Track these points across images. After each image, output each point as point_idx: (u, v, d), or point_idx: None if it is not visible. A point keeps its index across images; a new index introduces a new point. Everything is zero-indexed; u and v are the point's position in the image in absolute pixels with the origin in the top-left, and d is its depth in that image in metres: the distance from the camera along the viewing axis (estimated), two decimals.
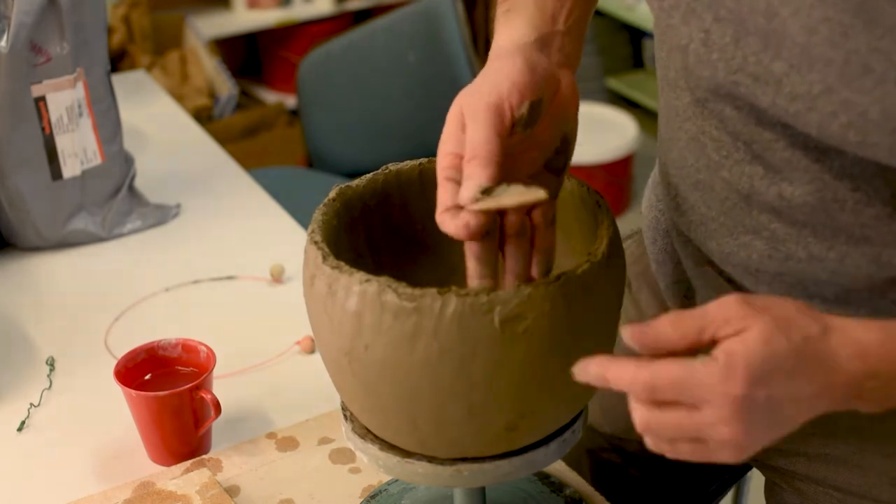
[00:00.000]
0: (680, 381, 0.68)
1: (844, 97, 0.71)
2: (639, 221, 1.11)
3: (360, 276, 0.76)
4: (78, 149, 1.39)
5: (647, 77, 3.67)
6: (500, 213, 0.80)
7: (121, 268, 1.40)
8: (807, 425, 0.95)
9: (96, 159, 1.41)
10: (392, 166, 0.91)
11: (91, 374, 1.19)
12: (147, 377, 1.07)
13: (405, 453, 0.83)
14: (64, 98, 1.35)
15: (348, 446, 0.92)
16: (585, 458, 1.16)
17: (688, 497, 1.17)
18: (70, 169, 1.39)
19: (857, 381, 0.71)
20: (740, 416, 0.67)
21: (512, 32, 0.84)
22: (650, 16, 3.67)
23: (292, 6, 3.23)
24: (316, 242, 0.81)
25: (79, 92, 1.37)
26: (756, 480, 1.08)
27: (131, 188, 1.48)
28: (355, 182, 0.90)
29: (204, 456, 1.06)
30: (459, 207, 0.75)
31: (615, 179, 3.17)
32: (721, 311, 0.69)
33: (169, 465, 1.06)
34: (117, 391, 1.04)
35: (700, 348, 0.70)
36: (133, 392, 1.02)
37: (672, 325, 0.70)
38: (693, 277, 0.96)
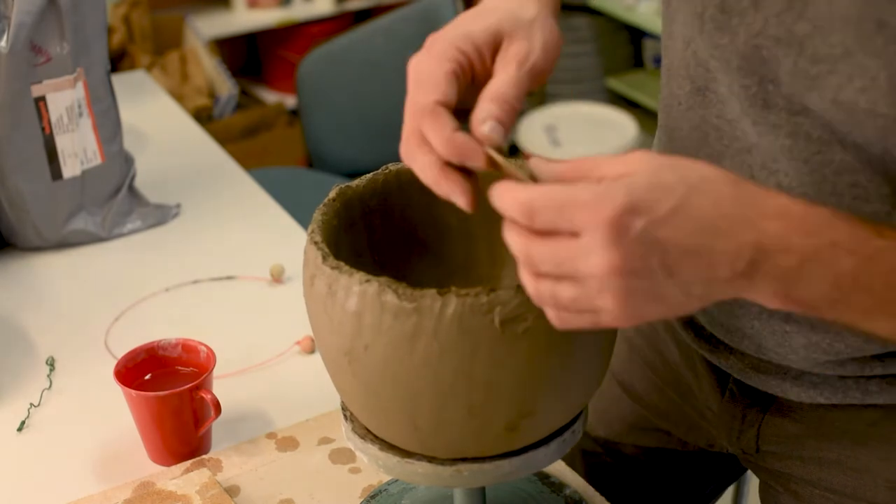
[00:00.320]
0: (558, 202, 0.62)
1: (860, 60, 0.71)
2: None
3: (359, 276, 0.76)
4: (78, 149, 1.39)
5: (647, 77, 3.67)
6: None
7: (121, 268, 1.40)
8: (800, 427, 0.95)
9: (96, 159, 1.41)
10: (392, 166, 0.91)
11: (91, 374, 1.19)
12: (147, 377, 1.08)
13: (405, 453, 0.83)
14: (64, 98, 1.35)
15: (348, 446, 0.92)
16: (580, 460, 1.16)
17: (684, 500, 1.17)
18: (70, 169, 1.39)
19: (768, 248, 0.63)
20: (612, 245, 0.61)
21: None
22: (650, 16, 3.68)
23: (292, 6, 3.23)
24: (316, 243, 0.81)
25: (79, 92, 1.37)
26: (755, 481, 1.08)
27: (131, 188, 1.48)
28: (355, 182, 0.90)
29: (204, 456, 1.06)
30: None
31: None
32: (618, 157, 0.65)
33: (169, 465, 1.06)
34: (117, 391, 1.04)
35: None
36: (133, 392, 1.03)
37: (566, 161, 0.66)
38: None
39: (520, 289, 0.75)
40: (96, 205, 1.43)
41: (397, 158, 0.97)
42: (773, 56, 0.77)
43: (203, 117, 2.83)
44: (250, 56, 3.46)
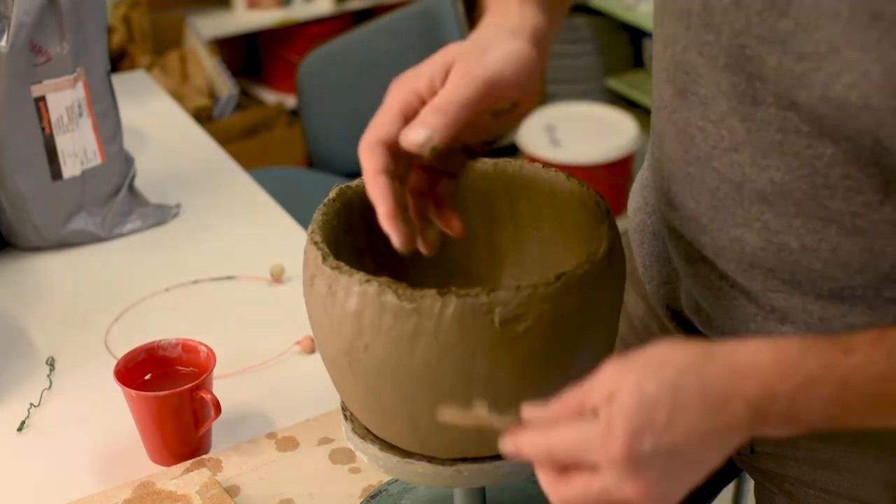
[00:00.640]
0: (572, 443, 0.69)
1: (848, 56, 0.71)
2: None
3: (360, 276, 0.76)
4: (78, 149, 1.39)
5: (647, 77, 3.67)
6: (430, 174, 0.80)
7: (121, 268, 1.40)
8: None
9: (96, 159, 1.41)
10: None
11: (91, 374, 1.19)
12: (147, 377, 1.08)
13: (405, 453, 0.83)
14: (64, 98, 1.35)
15: (348, 446, 0.92)
16: None
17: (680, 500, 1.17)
18: (70, 169, 1.39)
19: (759, 403, 0.69)
20: (635, 472, 0.67)
21: (531, 15, 0.82)
22: (650, 16, 3.67)
23: (292, 6, 3.23)
24: (316, 243, 0.81)
25: (79, 92, 1.37)
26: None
27: (131, 188, 1.48)
28: (355, 182, 0.90)
29: (204, 456, 1.06)
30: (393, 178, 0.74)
31: (615, 179, 3.17)
32: (595, 380, 0.70)
33: (169, 465, 1.06)
34: (117, 391, 1.04)
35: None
36: (133, 392, 1.03)
37: (556, 402, 0.71)
38: (685, 276, 0.95)
39: (520, 289, 0.75)
40: (96, 205, 1.43)
41: None
42: (757, 55, 0.77)
43: (203, 117, 2.83)
44: (250, 56, 3.46)
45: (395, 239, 0.76)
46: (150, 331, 1.22)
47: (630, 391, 0.68)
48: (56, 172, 1.38)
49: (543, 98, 3.50)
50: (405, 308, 0.75)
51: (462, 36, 2.20)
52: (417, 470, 0.82)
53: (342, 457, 1.06)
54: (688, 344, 0.71)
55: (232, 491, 1.02)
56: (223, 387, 1.12)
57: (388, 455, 0.83)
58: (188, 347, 1.08)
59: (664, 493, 0.69)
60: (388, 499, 1.00)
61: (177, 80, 2.90)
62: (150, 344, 1.08)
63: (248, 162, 1.98)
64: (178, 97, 2.73)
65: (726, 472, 1.17)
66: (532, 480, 1.02)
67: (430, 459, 0.82)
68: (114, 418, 1.11)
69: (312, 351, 1.21)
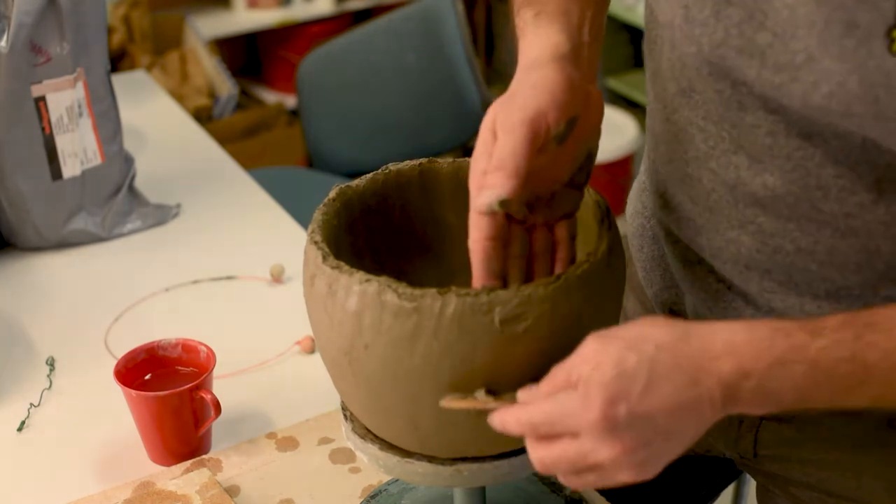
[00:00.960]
0: (552, 414, 0.72)
1: (824, 66, 0.71)
2: None
3: (360, 275, 0.76)
4: (78, 149, 1.39)
5: None
6: (528, 229, 0.81)
7: (121, 268, 1.40)
8: (798, 432, 0.95)
9: (96, 159, 1.41)
10: (392, 166, 0.91)
11: (91, 374, 1.19)
12: (147, 377, 1.07)
13: (405, 453, 0.83)
14: (64, 98, 1.35)
15: (348, 446, 0.92)
16: None
17: (680, 502, 1.17)
18: (70, 169, 1.39)
19: (731, 381, 0.71)
20: (611, 436, 0.70)
21: (547, 40, 0.83)
22: None
23: (292, 6, 3.23)
24: (316, 242, 0.81)
25: (79, 92, 1.37)
26: (755, 483, 1.08)
27: (131, 188, 1.48)
28: (355, 182, 0.90)
29: (204, 456, 1.06)
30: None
31: (615, 179, 3.17)
32: (579, 354, 0.73)
33: (169, 465, 1.06)
34: (117, 391, 1.04)
35: None
36: (133, 392, 1.02)
37: (545, 381, 0.74)
38: (682, 280, 0.95)
39: (520, 288, 0.75)
40: (96, 205, 1.43)
41: (397, 158, 0.97)
42: (737, 66, 0.77)
43: (203, 117, 2.83)
44: (250, 56, 3.46)
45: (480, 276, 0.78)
46: (150, 331, 1.22)
47: (610, 364, 0.70)
48: (56, 172, 1.38)
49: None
50: (405, 307, 0.75)
51: (462, 36, 2.20)
52: (417, 470, 0.82)
53: (342, 457, 1.06)
54: (668, 322, 0.73)
55: (232, 491, 1.02)
56: (223, 387, 1.12)
57: (389, 455, 0.83)
58: (188, 347, 1.08)
59: (639, 460, 0.71)
60: (388, 499, 1.00)
61: (177, 80, 2.90)
62: (150, 344, 1.08)
63: (248, 162, 1.98)
64: (178, 97, 2.73)
65: (725, 474, 1.17)
66: (532, 480, 1.02)
67: (431, 459, 0.82)
68: (114, 418, 1.11)
69: (312, 351, 1.21)
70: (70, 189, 1.40)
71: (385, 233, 0.93)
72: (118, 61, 2.83)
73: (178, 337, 1.09)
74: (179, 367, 1.08)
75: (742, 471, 1.16)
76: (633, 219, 1.06)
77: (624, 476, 0.72)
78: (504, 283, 0.79)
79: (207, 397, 1.03)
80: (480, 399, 0.75)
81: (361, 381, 0.79)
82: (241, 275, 1.37)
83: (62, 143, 1.37)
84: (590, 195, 0.86)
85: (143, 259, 1.41)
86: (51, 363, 1.21)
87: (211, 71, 2.94)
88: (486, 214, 0.75)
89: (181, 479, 1.02)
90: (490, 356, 0.75)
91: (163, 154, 1.69)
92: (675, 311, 1.00)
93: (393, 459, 0.83)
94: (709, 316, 0.93)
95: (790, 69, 0.73)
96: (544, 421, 0.72)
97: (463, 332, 0.74)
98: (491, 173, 0.75)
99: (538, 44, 0.83)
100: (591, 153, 0.83)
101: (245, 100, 3.15)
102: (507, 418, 0.74)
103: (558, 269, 0.82)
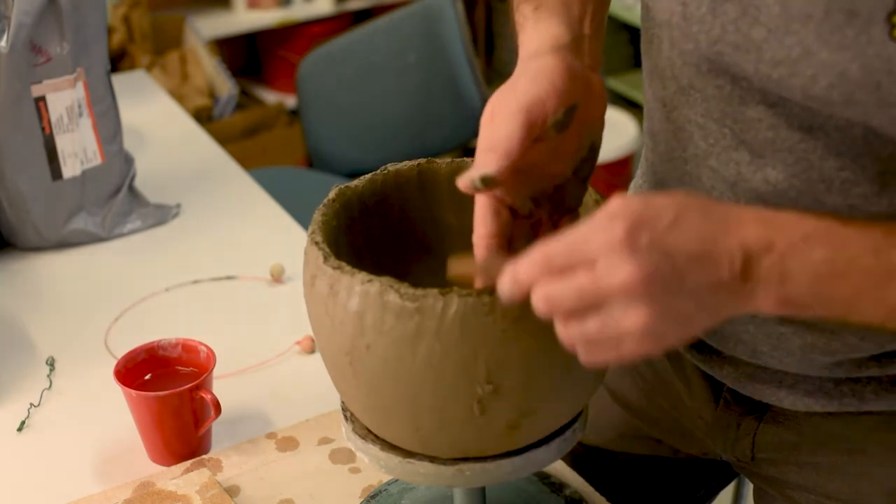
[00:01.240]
0: (570, 241, 0.67)
1: (823, 58, 0.71)
2: None
3: (361, 276, 0.76)
4: (78, 149, 1.39)
5: None
6: (533, 226, 0.80)
7: (121, 268, 1.40)
8: (796, 436, 0.95)
9: (96, 159, 1.41)
10: (391, 166, 0.91)
11: (91, 374, 1.19)
12: (147, 377, 1.07)
13: (406, 453, 0.83)
14: (64, 98, 1.35)
15: (348, 446, 0.92)
16: (571, 465, 1.16)
17: (676, 503, 1.17)
18: (70, 169, 1.39)
19: (754, 248, 0.68)
20: (628, 258, 0.65)
21: (547, 32, 0.83)
22: None
23: (292, 6, 3.23)
24: (317, 243, 0.81)
25: (79, 92, 1.37)
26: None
27: (131, 188, 1.48)
28: (355, 182, 0.90)
29: (204, 456, 1.06)
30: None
31: (615, 179, 3.17)
32: (607, 204, 0.69)
33: (169, 465, 1.06)
34: (117, 391, 1.04)
35: None
36: (133, 392, 1.02)
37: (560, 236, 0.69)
38: None
39: None
40: (96, 205, 1.43)
41: (397, 158, 0.97)
42: (735, 62, 0.77)
43: (203, 117, 2.83)
44: (250, 56, 3.46)
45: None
46: (150, 331, 1.22)
47: (636, 200, 0.68)
48: (56, 172, 1.38)
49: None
50: (407, 308, 0.75)
51: (462, 36, 2.20)
52: (419, 470, 0.82)
53: (342, 457, 1.06)
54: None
55: (232, 491, 1.02)
56: (223, 387, 1.12)
57: (390, 455, 0.83)
58: (188, 347, 1.08)
59: (650, 299, 0.66)
60: (388, 499, 1.00)
61: (177, 80, 2.90)
62: (150, 344, 1.08)
63: (248, 162, 1.98)
64: (178, 97, 2.73)
65: (722, 477, 1.17)
66: (532, 480, 1.02)
67: (432, 459, 0.82)
68: (114, 418, 1.11)
69: (312, 351, 1.21)
70: (70, 189, 1.40)
71: (384, 233, 0.93)
72: (118, 61, 2.83)
73: (178, 337, 1.09)
74: (179, 367, 1.08)
75: (734, 475, 1.16)
76: None
77: (628, 320, 0.66)
78: None
79: (207, 397, 1.03)
80: (487, 261, 0.73)
81: (363, 382, 0.79)
82: (241, 275, 1.37)
83: (62, 143, 1.37)
84: (590, 195, 0.86)
85: (143, 259, 1.41)
86: (51, 363, 1.21)
87: (211, 71, 2.94)
88: (472, 191, 0.74)
89: (181, 479, 1.02)
90: (492, 356, 0.75)
91: (163, 154, 1.69)
92: None
93: (394, 460, 0.83)
94: None
95: (787, 63, 0.73)
96: (560, 251, 0.68)
97: (465, 333, 0.74)
98: (481, 154, 0.74)
99: (537, 36, 0.83)
100: (595, 145, 0.83)
101: (245, 100, 3.15)
102: (519, 266, 0.69)
103: None
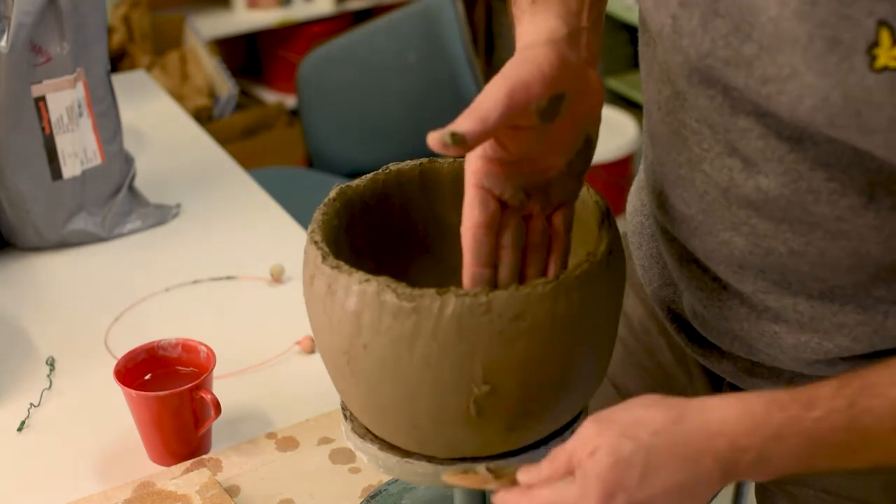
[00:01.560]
0: (551, 501, 0.73)
1: (808, 81, 0.71)
2: None
3: (359, 275, 0.76)
4: (78, 149, 1.39)
5: None
6: (525, 218, 0.80)
7: (121, 268, 1.40)
8: None
9: (96, 159, 1.41)
10: (392, 166, 0.91)
11: (91, 374, 1.19)
12: (147, 377, 1.08)
13: (405, 453, 0.83)
14: (64, 98, 1.35)
15: (348, 446, 0.92)
16: None
17: None
18: (70, 169, 1.39)
19: (729, 457, 0.72)
20: None
21: (543, 25, 0.82)
22: None
23: (292, 6, 3.23)
24: (316, 242, 0.81)
25: (79, 92, 1.37)
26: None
27: (131, 188, 1.48)
28: (355, 182, 0.90)
29: (204, 456, 1.06)
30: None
31: (615, 179, 3.17)
32: (578, 436, 0.74)
33: (169, 465, 1.06)
34: (117, 391, 1.04)
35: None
36: (133, 392, 1.03)
37: (546, 462, 0.75)
38: (679, 279, 0.95)
39: (519, 288, 0.75)
40: (96, 205, 1.43)
41: (397, 158, 0.97)
42: (725, 76, 0.77)
43: (203, 117, 2.83)
44: (250, 56, 3.46)
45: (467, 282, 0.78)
46: (150, 331, 1.22)
47: (607, 452, 0.72)
48: (56, 172, 1.38)
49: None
50: (404, 307, 0.75)
51: (462, 36, 2.20)
52: (417, 470, 0.82)
53: (342, 457, 1.06)
54: (662, 402, 0.75)
55: (232, 491, 1.02)
56: (223, 387, 1.12)
57: (388, 455, 0.83)
58: (188, 347, 1.08)
59: None
60: (388, 499, 1.00)
61: (177, 80, 2.90)
62: (150, 344, 1.08)
63: (248, 162, 1.98)
64: (178, 97, 2.73)
65: None
66: None
67: (430, 459, 0.82)
68: (114, 418, 1.11)
69: (312, 351, 1.21)
70: (70, 189, 1.40)
71: (385, 232, 0.93)
72: (118, 61, 2.83)
73: (178, 337, 1.09)
74: (179, 367, 1.08)
75: None
76: (633, 216, 1.06)
77: None
78: (495, 272, 0.79)
79: (207, 397, 1.03)
80: (482, 475, 0.77)
81: (361, 381, 0.79)
82: (241, 275, 1.37)
83: (62, 143, 1.37)
84: (590, 195, 0.86)
85: (143, 259, 1.42)
86: (51, 363, 1.21)
87: (211, 71, 2.94)
88: (441, 148, 0.73)
89: (181, 479, 1.02)
90: (489, 356, 0.75)
91: (163, 154, 1.69)
92: (672, 309, 1.00)
93: (392, 459, 0.83)
94: (706, 314, 0.93)
95: (777, 81, 0.73)
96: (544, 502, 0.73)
97: (462, 333, 0.74)
98: (462, 117, 0.74)
99: (533, 29, 0.82)
100: (590, 139, 0.82)
101: (245, 100, 3.15)
102: (508, 500, 0.75)
103: (553, 262, 0.82)
